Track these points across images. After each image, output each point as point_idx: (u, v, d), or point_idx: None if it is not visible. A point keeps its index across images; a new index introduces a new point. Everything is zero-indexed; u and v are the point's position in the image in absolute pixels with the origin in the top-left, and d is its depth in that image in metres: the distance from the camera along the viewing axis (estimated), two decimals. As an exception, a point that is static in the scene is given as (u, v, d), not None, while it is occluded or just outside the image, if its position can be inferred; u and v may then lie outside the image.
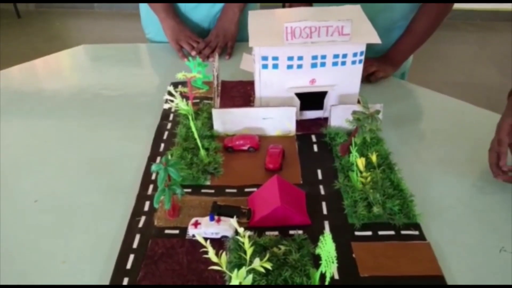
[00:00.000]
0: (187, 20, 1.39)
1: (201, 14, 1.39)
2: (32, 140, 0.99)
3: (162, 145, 0.94)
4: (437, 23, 1.17)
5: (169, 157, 0.85)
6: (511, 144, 0.82)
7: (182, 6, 1.38)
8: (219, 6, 1.38)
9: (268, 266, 0.56)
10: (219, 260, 0.55)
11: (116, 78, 1.24)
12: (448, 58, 3.15)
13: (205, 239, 0.56)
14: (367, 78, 1.14)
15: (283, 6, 3.65)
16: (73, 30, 3.80)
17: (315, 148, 0.93)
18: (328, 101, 0.98)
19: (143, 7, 1.44)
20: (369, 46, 0.91)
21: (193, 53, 1.28)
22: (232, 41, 1.34)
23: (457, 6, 1.22)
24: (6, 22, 3.82)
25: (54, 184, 0.85)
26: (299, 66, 0.92)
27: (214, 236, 0.71)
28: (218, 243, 0.69)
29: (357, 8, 1.00)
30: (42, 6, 4.09)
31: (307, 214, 0.75)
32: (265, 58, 0.91)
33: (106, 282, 0.66)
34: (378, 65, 1.16)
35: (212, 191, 0.82)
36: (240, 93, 1.09)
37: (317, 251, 0.57)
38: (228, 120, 0.95)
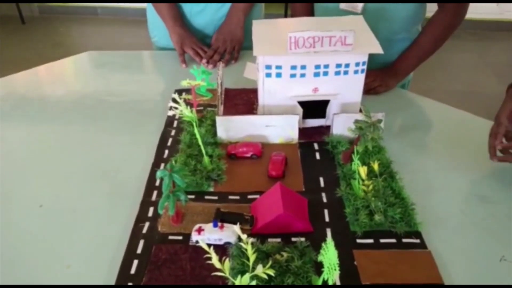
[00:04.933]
0: (192, 25, 1.41)
1: (205, 18, 1.40)
2: (36, 145, 1.00)
3: (166, 151, 0.95)
4: (444, 38, 1.17)
5: (173, 163, 0.86)
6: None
7: (188, 11, 1.39)
8: (224, 10, 1.39)
9: (271, 272, 0.57)
10: (222, 266, 0.55)
11: (120, 85, 1.25)
12: (449, 67, 3.17)
13: (209, 245, 0.56)
14: (368, 92, 1.15)
15: (286, 6, 3.68)
16: (77, 36, 3.82)
17: (318, 156, 0.94)
18: (331, 109, 0.99)
19: (150, 11, 1.46)
20: (371, 57, 0.93)
21: (204, 61, 1.29)
22: (239, 45, 1.36)
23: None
24: (10, 28, 3.85)
25: (59, 190, 0.86)
26: (302, 75, 0.93)
27: (217, 242, 0.72)
28: (221, 250, 0.70)
29: (359, 18, 1.01)
30: (46, 12, 4.13)
31: (309, 221, 0.76)
32: (268, 67, 0.92)
33: (110, 287, 0.67)
34: (381, 78, 1.17)
35: (216, 197, 0.83)
36: (243, 101, 1.11)
37: (319, 258, 0.57)
38: (232, 128, 0.96)
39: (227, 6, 1.38)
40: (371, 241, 0.73)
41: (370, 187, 0.80)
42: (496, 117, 0.87)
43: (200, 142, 0.88)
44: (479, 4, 3.50)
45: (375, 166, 0.81)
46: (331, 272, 0.56)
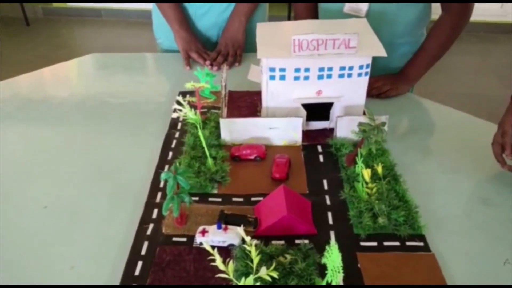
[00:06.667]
0: (196, 27, 1.42)
1: (210, 21, 1.41)
2: (40, 147, 1.00)
3: (170, 153, 0.96)
4: (451, 40, 1.17)
5: (177, 165, 0.86)
6: None
7: (192, 13, 1.40)
8: (228, 13, 1.39)
9: (275, 274, 0.57)
10: (226, 268, 0.56)
11: (124, 87, 1.26)
12: (451, 69, 3.17)
13: (212, 247, 0.57)
14: (378, 96, 1.15)
15: (289, 7, 3.68)
16: (81, 38, 3.84)
17: (321, 158, 0.94)
18: (334, 112, 0.99)
19: (156, 14, 1.46)
20: (373, 61, 0.93)
21: (207, 62, 1.29)
22: (240, 49, 1.37)
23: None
24: (15, 30, 3.87)
25: (63, 191, 0.87)
26: (306, 78, 0.94)
27: (221, 244, 0.72)
28: (225, 251, 0.70)
29: (363, 21, 1.02)
30: (50, 14, 4.15)
31: (313, 223, 0.76)
32: (272, 69, 0.93)
33: (115, 288, 0.67)
34: (392, 82, 1.17)
35: (219, 199, 0.83)
36: (247, 103, 1.11)
37: (323, 260, 0.57)
38: (235, 130, 0.96)
39: (231, 8, 1.39)
40: (374, 243, 0.73)
41: (374, 189, 0.80)
42: (500, 125, 0.87)
43: (204, 144, 0.88)
44: (481, 6, 3.49)
45: (379, 168, 0.82)
46: (335, 275, 0.56)
